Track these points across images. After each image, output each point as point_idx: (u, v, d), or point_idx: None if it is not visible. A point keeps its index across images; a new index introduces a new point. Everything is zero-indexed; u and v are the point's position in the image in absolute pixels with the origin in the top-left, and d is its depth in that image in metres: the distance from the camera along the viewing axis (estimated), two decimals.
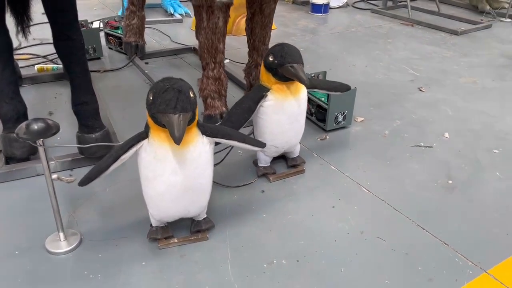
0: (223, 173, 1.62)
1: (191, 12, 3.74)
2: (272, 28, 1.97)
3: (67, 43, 1.53)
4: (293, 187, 1.58)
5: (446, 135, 1.93)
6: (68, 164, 1.65)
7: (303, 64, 1.42)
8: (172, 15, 3.72)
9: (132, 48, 2.65)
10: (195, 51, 2.88)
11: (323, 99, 1.92)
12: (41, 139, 1.12)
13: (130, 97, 2.23)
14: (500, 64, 2.82)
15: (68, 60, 1.57)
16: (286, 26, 3.61)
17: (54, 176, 1.49)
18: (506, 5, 3.86)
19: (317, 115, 1.97)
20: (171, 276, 1.21)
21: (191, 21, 3.48)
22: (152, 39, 3.13)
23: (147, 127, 1.17)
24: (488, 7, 3.93)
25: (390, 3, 4.23)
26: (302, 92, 1.51)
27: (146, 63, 2.67)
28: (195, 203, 1.24)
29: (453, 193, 1.56)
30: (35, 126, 1.09)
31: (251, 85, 2.03)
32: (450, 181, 1.62)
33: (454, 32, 3.42)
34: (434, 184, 1.61)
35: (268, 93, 1.47)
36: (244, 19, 3.36)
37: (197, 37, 1.79)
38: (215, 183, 1.44)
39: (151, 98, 1.10)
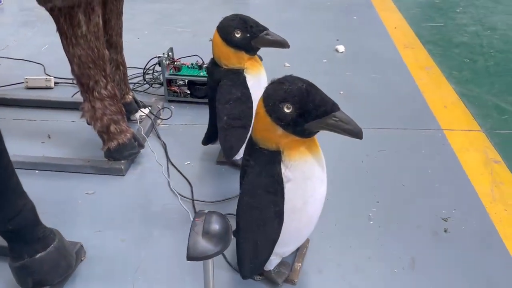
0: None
1: None
2: None
3: None
4: None
5: (287, 64, 2.18)
6: None
7: None
8: None
9: None
10: None
11: (202, 73, 1.78)
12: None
13: None
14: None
15: None
16: None
17: None
18: None
19: (197, 92, 1.80)
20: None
21: None
22: None
23: (274, 153, 0.88)
24: None
25: None
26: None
27: None
28: None
29: (352, 98, 1.88)
30: (216, 226, 0.65)
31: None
32: (341, 92, 1.93)
33: None
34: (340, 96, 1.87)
35: (245, 74, 1.29)
36: None
37: (71, 53, 1.26)
38: None
39: (291, 110, 0.83)
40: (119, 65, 1.58)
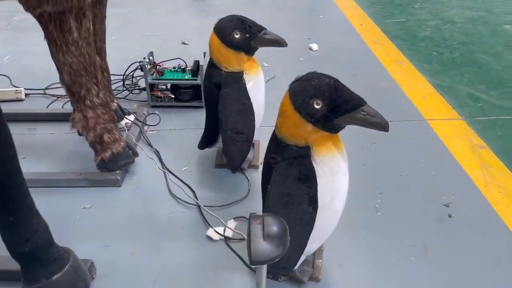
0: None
1: None
2: None
3: None
4: None
5: (265, 64, 2.18)
6: None
7: None
8: None
9: None
10: None
11: (186, 77, 1.74)
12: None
13: None
14: None
15: None
16: None
17: None
18: None
19: (182, 96, 1.76)
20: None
21: None
22: None
23: (303, 149, 0.87)
24: None
25: None
26: None
27: None
28: None
29: None
30: (275, 228, 0.64)
31: None
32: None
33: None
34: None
35: (244, 76, 1.27)
36: None
37: (61, 61, 1.19)
38: None
39: (322, 106, 0.84)
40: (103, 71, 1.52)
